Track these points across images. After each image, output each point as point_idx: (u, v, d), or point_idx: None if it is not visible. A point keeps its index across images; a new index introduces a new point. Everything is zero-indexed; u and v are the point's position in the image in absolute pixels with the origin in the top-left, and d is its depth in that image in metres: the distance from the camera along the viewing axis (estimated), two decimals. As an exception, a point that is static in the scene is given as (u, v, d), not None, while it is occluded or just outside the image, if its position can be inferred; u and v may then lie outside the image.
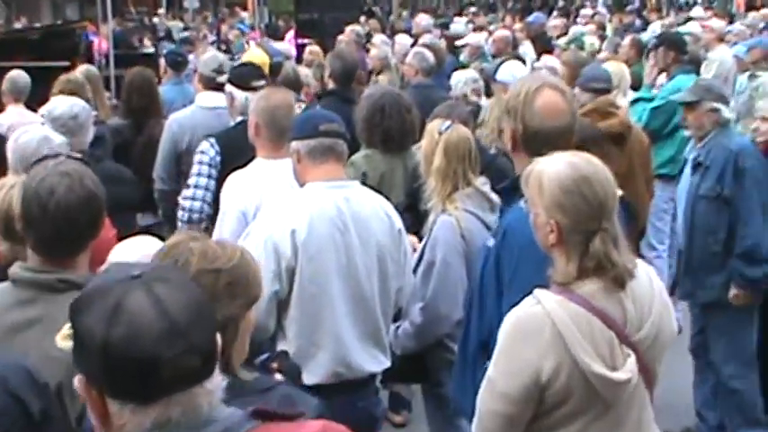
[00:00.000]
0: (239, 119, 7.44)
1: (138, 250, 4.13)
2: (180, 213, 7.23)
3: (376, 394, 5.52)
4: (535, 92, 4.63)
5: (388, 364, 5.44)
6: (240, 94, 7.57)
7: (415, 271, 5.82)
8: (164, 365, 2.23)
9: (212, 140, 7.25)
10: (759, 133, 7.94)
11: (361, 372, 5.26)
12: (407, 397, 8.11)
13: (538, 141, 4.50)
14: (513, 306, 3.97)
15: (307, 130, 5.35)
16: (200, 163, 7.20)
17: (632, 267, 3.89)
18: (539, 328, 3.81)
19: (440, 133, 6.00)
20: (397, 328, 5.89)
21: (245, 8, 38.63)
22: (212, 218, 6.69)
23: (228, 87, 7.75)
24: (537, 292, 3.89)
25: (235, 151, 6.93)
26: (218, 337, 2.39)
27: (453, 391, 4.99)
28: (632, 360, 3.83)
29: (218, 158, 7.15)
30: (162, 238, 7.84)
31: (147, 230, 7.90)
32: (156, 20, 32.49)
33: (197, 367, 2.29)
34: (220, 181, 6.71)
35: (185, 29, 30.43)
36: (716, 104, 7.42)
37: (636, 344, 3.86)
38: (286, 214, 5.16)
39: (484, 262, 4.69)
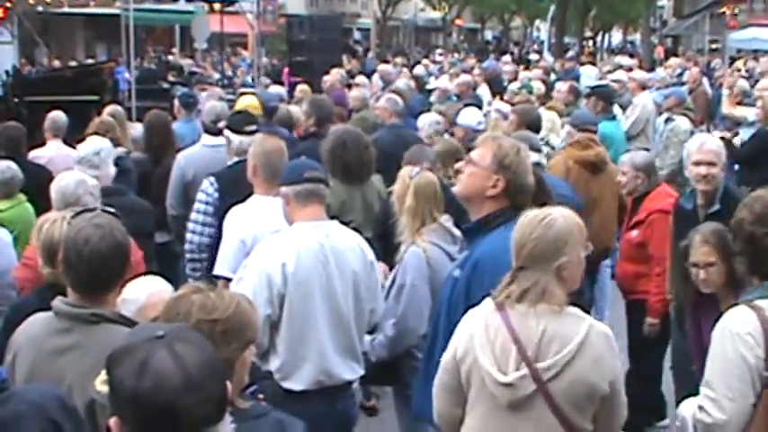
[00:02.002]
0: (235, 159, 7.59)
1: (144, 289, 4.32)
2: (186, 246, 7.31)
3: (352, 397, 5.60)
4: (523, 151, 4.88)
5: (362, 372, 5.57)
6: (235, 138, 7.68)
7: (388, 293, 6.00)
8: (183, 413, 2.34)
9: (212, 179, 7.35)
10: (620, 185, 8.04)
11: (339, 379, 5.39)
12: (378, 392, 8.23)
13: (524, 193, 4.81)
14: None
15: (294, 176, 5.45)
16: (200, 201, 7.31)
17: (560, 310, 4.00)
18: (468, 322, 4.16)
19: (411, 178, 6.19)
20: (373, 340, 6.02)
21: (246, 48, 38.76)
22: (214, 245, 6.78)
23: (226, 132, 7.85)
24: (485, 300, 4.14)
25: (232, 187, 7.10)
26: (228, 384, 2.47)
27: (417, 397, 5.08)
28: (522, 374, 3.95)
29: (216, 195, 7.24)
30: (174, 253, 7.95)
31: (162, 246, 7.99)
32: (170, 58, 32.59)
33: (211, 413, 2.40)
34: (220, 212, 6.85)
35: (196, 66, 30.43)
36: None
37: (537, 370, 3.95)
38: (278, 250, 5.26)
39: (451, 289, 4.82)
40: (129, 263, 4.17)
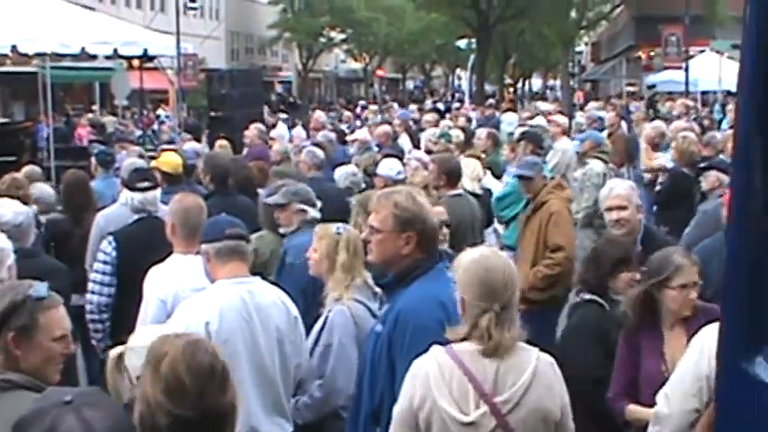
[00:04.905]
0: (135, 217, 7.66)
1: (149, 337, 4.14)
2: (87, 307, 7.28)
3: (279, 454, 5.53)
4: (417, 195, 4.96)
5: (290, 429, 5.51)
6: (129, 195, 7.73)
7: (312, 352, 5.88)
8: None
9: (110, 238, 7.38)
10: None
11: (267, 437, 5.31)
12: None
13: (436, 237, 4.95)
14: None
15: (214, 234, 5.43)
16: (99, 261, 7.34)
17: (509, 345, 4.12)
18: (419, 370, 4.14)
19: (337, 234, 6.11)
20: (297, 401, 5.90)
21: (167, 104, 38.65)
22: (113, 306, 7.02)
23: (124, 190, 7.88)
24: (433, 346, 4.19)
25: (132, 245, 7.22)
26: None
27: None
28: (482, 411, 4.05)
29: (115, 254, 7.26)
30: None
31: (80, 308, 7.89)
32: (90, 116, 32.30)
33: None
34: (120, 271, 7.08)
35: (119, 123, 30.20)
36: (302, 206, 7.36)
37: (495, 404, 4.06)
38: (200, 308, 5.22)
39: (374, 344, 4.83)
40: None
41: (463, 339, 4.15)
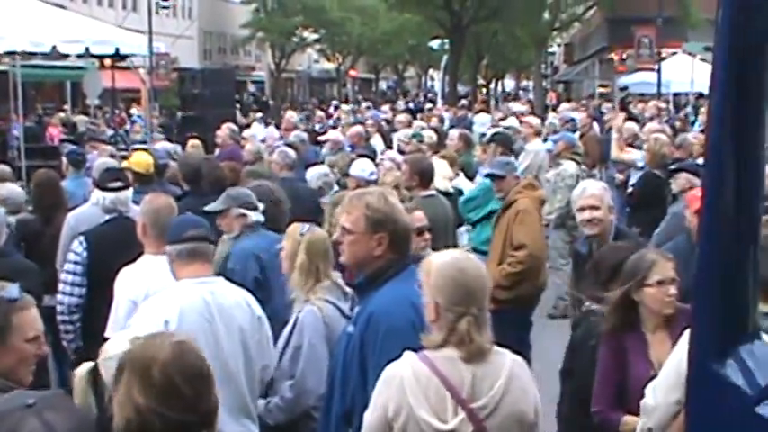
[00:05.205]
0: (106, 217, 7.64)
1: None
2: (57, 308, 7.24)
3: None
4: (389, 195, 4.97)
5: (256, 430, 5.49)
6: (101, 195, 7.72)
7: (282, 353, 5.86)
8: None
9: (81, 238, 7.37)
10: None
11: (232, 438, 5.27)
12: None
13: (408, 237, 4.91)
14: None
15: (176, 235, 5.47)
16: (69, 261, 7.32)
17: (487, 349, 4.11)
18: (393, 378, 4.09)
19: (301, 235, 6.06)
20: (268, 403, 5.88)
21: (138, 103, 38.49)
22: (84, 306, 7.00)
23: (95, 190, 7.84)
24: (405, 353, 4.14)
25: (103, 245, 7.19)
26: None
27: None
28: (460, 419, 4.02)
29: (86, 254, 7.25)
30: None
31: (51, 309, 7.85)
32: (62, 115, 32.17)
33: None
34: (91, 271, 7.07)
35: (91, 123, 30.07)
36: (242, 210, 7.15)
37: (472, 410, 4.04)
38: (160, 308, 5.22)
39: (345, 345, 4.82)
40: None
41: (440, 346, 4.11)
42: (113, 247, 6.91)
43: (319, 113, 29.28)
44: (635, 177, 12.96)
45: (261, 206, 7.24)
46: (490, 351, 4.14)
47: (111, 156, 12.90)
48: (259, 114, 30.58)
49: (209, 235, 5.56)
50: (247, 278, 6.43)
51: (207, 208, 7.14)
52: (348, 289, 5.85)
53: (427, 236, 6.84)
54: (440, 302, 4.13)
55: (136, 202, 7.57)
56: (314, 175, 10.67)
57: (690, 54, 34.42)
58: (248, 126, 23.30)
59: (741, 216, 3.07)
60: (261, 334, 5.54)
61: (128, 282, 6.14)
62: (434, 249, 6.46)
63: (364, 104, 39.87)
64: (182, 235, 5.41)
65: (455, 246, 9.28)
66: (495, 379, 4.09)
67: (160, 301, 5.29)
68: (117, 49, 18.44)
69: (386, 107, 36.96)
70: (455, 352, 4.08)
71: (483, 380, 4.08)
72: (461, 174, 12.30)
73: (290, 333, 5.91)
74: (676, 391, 4.45)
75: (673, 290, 5.25)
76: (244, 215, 7.14)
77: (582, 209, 7.21)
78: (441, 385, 4.05)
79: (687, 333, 4.47)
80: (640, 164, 13.19)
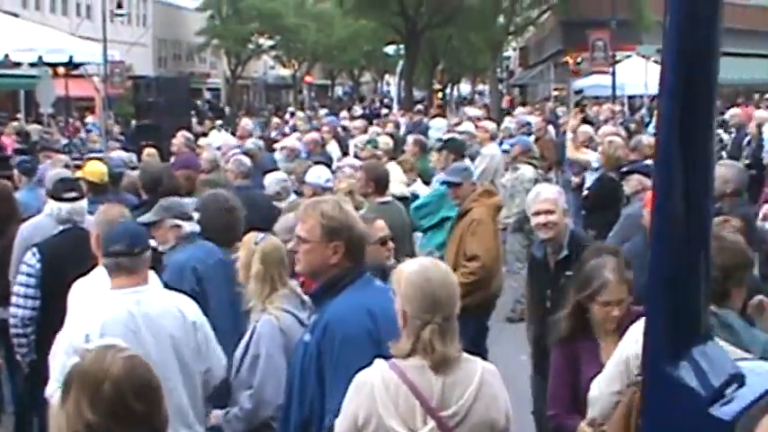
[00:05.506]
0: (59, 228, 7.58)
1: None
2: (10, 321, 7.17)
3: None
4: (343, 204, 4.97)
5: None
6: (55, 205, 7.65)
7: (241, 363, 5.81)
8: None
9: (34, 250, 7.33)
10: None
11: (172, 451, 5.21)
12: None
13: (363, 246, 4.88)
14: (339, 387, 4.31)
15: (104, 249, 5.51)
16: (22, 273, 7.27)
17: (454, 357, 4.12)
18: (363, 386, 4.10)
19: (256, 243, 6.02)
20: (227, 413, 5.85)
21: (93, 112, 38.17)
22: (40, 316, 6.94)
23: (49, 200, 7.78)
24: (376, 360, 4.16)
25: (57, 257, 7.14)
26: None
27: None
28: (430, 428, 4.04)
29: (39, 266, 7.21)
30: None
31: (3, 322, 7.77)
32: (15, 124, 31.83)
33: None
34: (44, 283, 7.03)
35: (45, 132, 29.80)
36: (175, 221, 7.03)
37: (442, 418, 4.05)
38: (83, 320, 5.21)
39: (302, 354, 4.81)
40: None
41: (408, 354, 4.12)
42: (67, 258, 6.84)
43: (275, 120, 29.20)
44: (590, 180, 13.04)
45: (196, 216, 7.12)
46: (459, 359, 4.15)
47: (66, 165, 12.77)
48: (219, 122, 30.41)
49: (136, 247, 5.45)
50: (182, 290, 6.32)
51: (140, 219, 7.00)
52: (306, 297, 5.80)
53: (391, 245, 6.82)
54: (407, 311, 4.14)
55: (90, 212, 7.50)
56: (272, 180, 10.63)
57: (644, 56, 34.71)
58: (204, 134, 23.19)
59: (691, 217, 3.09)
60: (196, 339, 5.47)
61: (81, 294, 6.06)
62: (394, 257, 6.48)
63: (322, 111, 39.85)
64: (107, 249, 5.42)
65: (413, 251, 9.32)
66: (466, 387, 4.10)
67: (84, 313, 5.27)
68: (71, 58, 18.36)
69: (344, 113, 36.92)
70: (422, 361, 4.09)
71: (453, 388, 4.09)
72: (419, 179, 12.31)
73: (248, 343, 5.86)
74: (617, 382, 4.63)
75: (616, 312, 5.29)
76: (178, 226, 7.00)
77: (537, 213, 7.21)
78: (410, 394, 4.05)
79: (630, 330, 4.63)
80: (595, 164, 13.26)
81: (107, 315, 5.16)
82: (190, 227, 7.02)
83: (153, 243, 6.31)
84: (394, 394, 4.05)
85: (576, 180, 14.37)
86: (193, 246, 6.92)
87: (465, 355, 4.20)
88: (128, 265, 5.37)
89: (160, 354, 5.20)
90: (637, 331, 4.54)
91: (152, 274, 5.64)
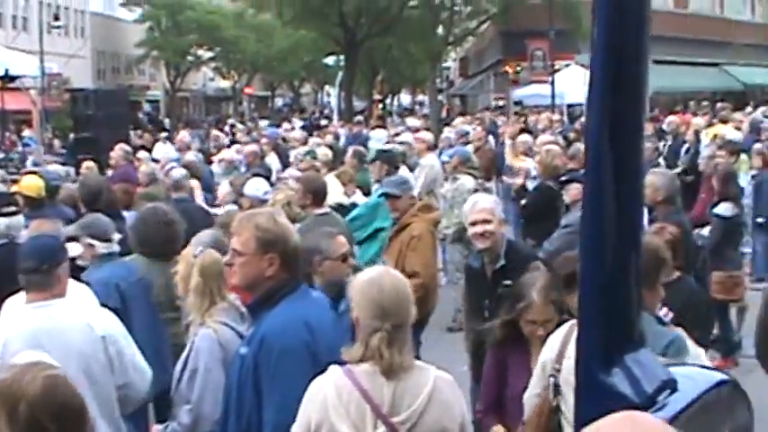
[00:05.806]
0: None
1: None
2: None
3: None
4: (278, 216, 4.99)
5: None
6: None
7: (180, 377, 5.74)
8: None
9: None
10: None
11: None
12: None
13: (298, 258, 4.89)
14: (277, 400, 4.46)
15: (18, 265, 5.48)
16: None
17: (405, 365, 4.16)
18: (317, 392, 4.15)
19: (195, 257, 5.99)
20: (166, 427, 5.78)
21: (30, 125, 37.80)
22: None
23: None
24: (331, 366, 4.20)
25: None
26: None
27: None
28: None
29: None
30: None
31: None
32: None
33: None
34: None
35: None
36: (90, 240, 7.09)
37: (393, 423, 4.10)
38: None
39: (239, 367, 4.80)
40: None
41: (360, 360, 4.15)
42: (2, 273, 6.73)
43: (215, 132, 29.05)
44: (530, 186, 13.07)
45: (116, 236, 7.14)
46: (411, 367, 4.20)
47: (2, 180, 12.65)
48: (164, 134, 30.15)
49: (45, 263, 5.43)
50: (108, 306, 6.23)
51: (62, 231, 7.03)
52: (245, 310, 5.77)
53: (352, 261, 6.81)
54: (359, 317, 4.20)
55: (27, 227, 7.43)
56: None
57: (582, 65, 34.94)
58: (144, 147, 23.03)
59: (622, 223, 3.10)
60: (107, 354, 5.42)
61: (12, 311, 5.92)
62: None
63: (263, 122, 39.73)
64: (19, 265, 5.44)
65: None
66: (417, 394, 4.13)
67: None
68: (6, 71, 18.18)
69: (287, 125, 36.85)
70: (374, 367, 4.13)
71: (403, 395, 4.13)
72: (358, 191, 12.29)
73: (187, 357, 5.80)
74: (537, 386, 4.89)
75: (541, 331, 5.40)
76: (91, 245, 7.04)
77: (474, 223, 7.23)
78: (361, 399, 4.09)
79: (551, 337, 4.89)
80: (534, 172, 13.32)
81: (10, 332, 5.15)
82: (104, 248, 7.05)
83: (74, 254, 6.29)
84: (346, 400, 4.09)
85: (517, 182, 14.36)
86: (113, 264, 6.97)
87: (419, 363, 4.26)
88: (37, 281, 5.37)
89: (66, 368, 5.11)
90: (553, 339, 4.87)
91: (80, 287, 5.60)
